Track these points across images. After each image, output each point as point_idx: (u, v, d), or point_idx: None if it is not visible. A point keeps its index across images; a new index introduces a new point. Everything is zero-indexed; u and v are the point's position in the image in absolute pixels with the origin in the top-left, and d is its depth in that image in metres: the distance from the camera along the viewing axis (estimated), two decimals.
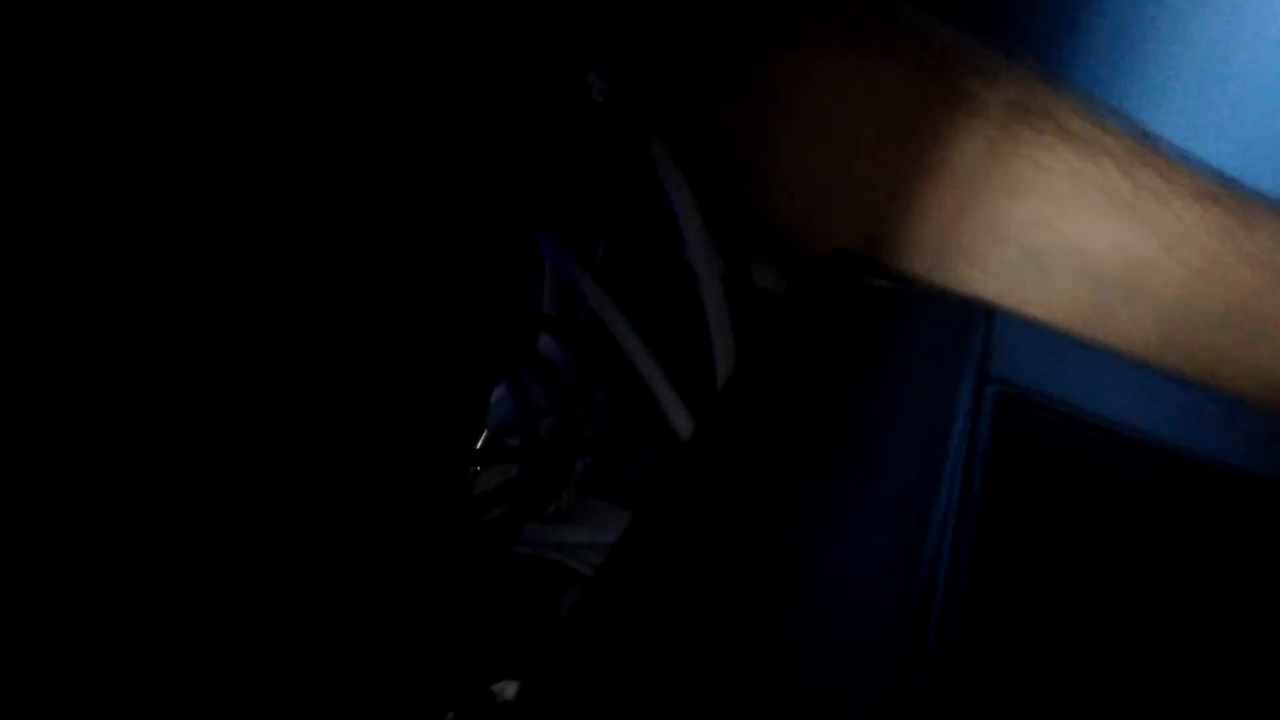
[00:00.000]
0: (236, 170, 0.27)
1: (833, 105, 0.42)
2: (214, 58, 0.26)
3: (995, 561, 0.28)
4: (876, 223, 0.42)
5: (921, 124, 0.40)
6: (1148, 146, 0.39)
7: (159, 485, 0.28)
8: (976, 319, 0.37)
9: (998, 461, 0.31)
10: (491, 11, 0.38)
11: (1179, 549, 0.31)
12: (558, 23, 0.42)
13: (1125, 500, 0.32)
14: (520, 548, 0.53)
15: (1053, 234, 0.39)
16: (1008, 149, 0.40)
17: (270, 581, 0.34)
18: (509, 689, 0.47)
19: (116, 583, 0.27)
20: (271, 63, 0.28)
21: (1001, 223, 0.40)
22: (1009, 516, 0.30)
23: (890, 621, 0.26)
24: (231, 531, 0.31)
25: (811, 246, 0.44)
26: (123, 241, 0.24)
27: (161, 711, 0.29)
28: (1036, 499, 0.31)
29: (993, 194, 0.40)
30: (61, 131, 0.21)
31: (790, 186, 0.45)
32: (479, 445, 0.51)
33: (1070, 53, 0.42)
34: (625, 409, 0.52)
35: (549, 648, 0.25)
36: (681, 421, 0.46)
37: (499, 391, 0.51)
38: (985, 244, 0.41)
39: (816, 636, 0.25)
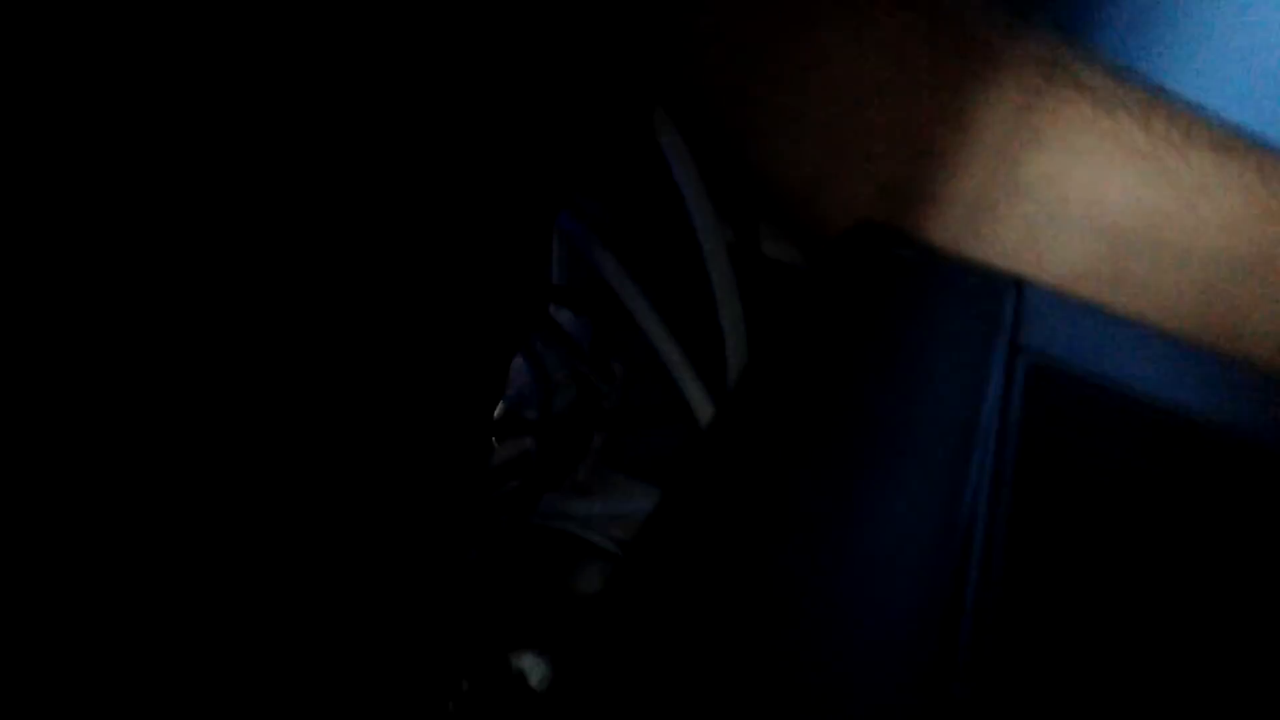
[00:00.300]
0: (288, 158, 0.27)
1: (852, 60, 0.42)
2: (253, 58, 0.26)
3: (1029, 533, 0.28)
4: (897, 179, 0.41)
5: (942, 79, 0.40)
6: (1165, 100, 0.38)
7: (185, 456, 0.28)
8: (1006, 290, 0.37)
9: (1030, 433, 0.31)
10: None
11: (1209, 521, 0.31)
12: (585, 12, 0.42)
13: (1156, 472, 0.32)
14: (537, 519, 0.53)
15: (1070, 186, 0.39)
16: (1028, 103, 0.39)
17: (290, 550, 0.34)
18: (526, 659, 0.47)
19: (140, 559, 0.27)
20: (340, 63, 0.28)
21: (1021, 177, 0.39)
22: (1042, 488, 0.30)
23: (926, 591, 0.26)
24: (253, 500, 0.32)
25: (830, 209, 0.43)
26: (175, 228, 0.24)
27: (184, 681, 0.29)
28: (1069, 470, 0.31)
29: (1013, 148, 0.39)
30: (80, 135, 0.21)
31: (810, 144, 0.44)
32: (497, 417, 0.52)
33: (1090, 16, 0.41)
34: (641, 381, 0.52)
35: (582, 625, 0.25)
36: (696, 394, 0.45)
37: (516, 364, 0.51)
38: (1006, 199, 0.40)
39: (853, 609, 0.25)
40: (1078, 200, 0.39)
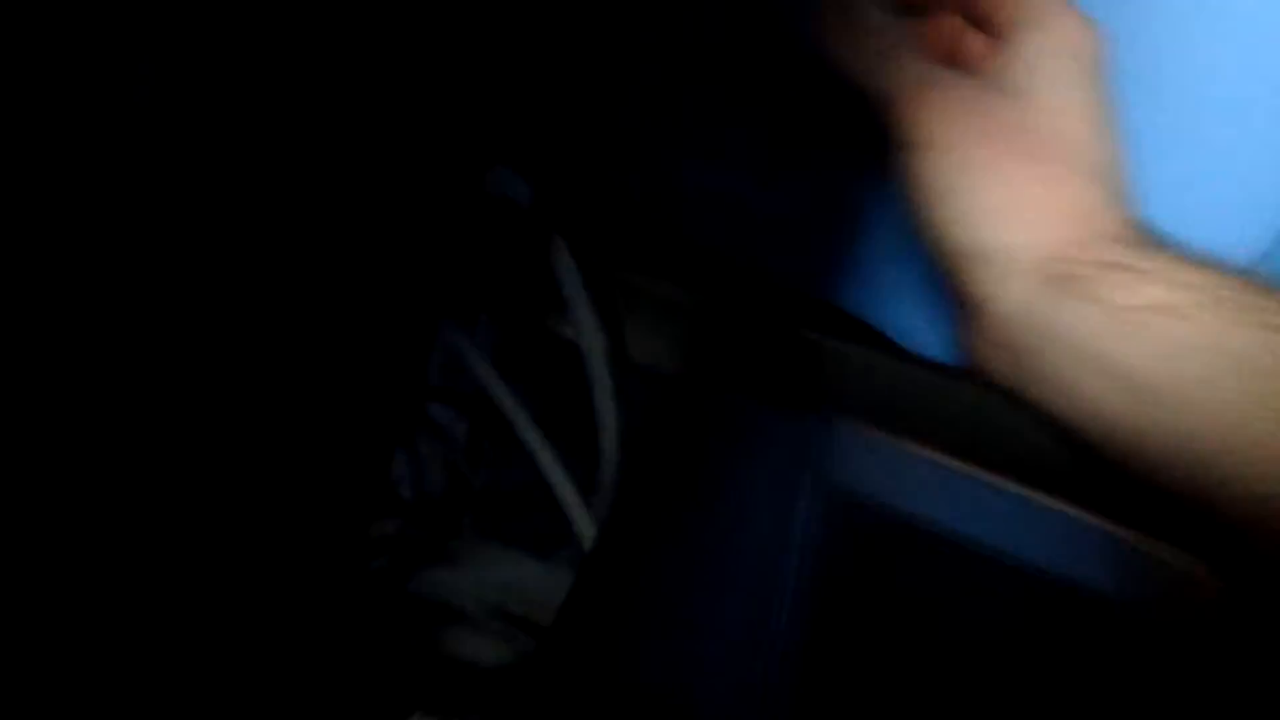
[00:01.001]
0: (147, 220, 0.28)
1: None
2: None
3: (824, 671, 0.32)
4: None
5: None
6: None
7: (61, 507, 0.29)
8: (818, 428, 0.40)
9: (832, 578, 0.34)
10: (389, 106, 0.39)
11: (1018, 665, 0.34)
12: (458, 121, 0.43)
13: (960, 609, 0.35)
14: (411, 588, 0.56)
15: None
16: None
17: (165, 626, 0.35)
18: None
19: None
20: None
21: None
22: (840, 637, 0.33)
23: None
24: (119, 573, 0.32)
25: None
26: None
27: None
28: (869, 614, 0.34)
29: None
30: None
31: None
32: (372, 497, 0.53)
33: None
34: (516, 460, 0.54)
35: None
36: (565, 490, 0.49)
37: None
38: None
39: None
40: None
